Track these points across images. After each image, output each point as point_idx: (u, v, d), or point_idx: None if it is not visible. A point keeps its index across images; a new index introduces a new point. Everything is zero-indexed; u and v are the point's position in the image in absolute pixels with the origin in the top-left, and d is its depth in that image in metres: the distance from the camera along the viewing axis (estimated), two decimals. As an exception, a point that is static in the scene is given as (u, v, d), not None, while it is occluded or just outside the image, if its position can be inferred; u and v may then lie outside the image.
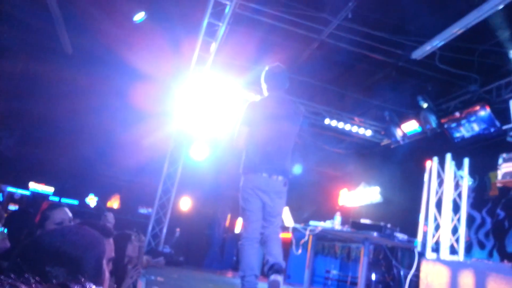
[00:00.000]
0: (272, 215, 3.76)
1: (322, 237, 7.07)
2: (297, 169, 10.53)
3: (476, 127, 7.23)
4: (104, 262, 1.05)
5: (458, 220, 5.31)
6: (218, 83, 8.55)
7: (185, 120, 8.75)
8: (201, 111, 8.43)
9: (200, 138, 9.27)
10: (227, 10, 6.45)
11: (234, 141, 3.96)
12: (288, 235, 6.31)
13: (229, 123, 7.73)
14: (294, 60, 8.08)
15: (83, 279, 0.71)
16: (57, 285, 0.52)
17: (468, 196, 6.24)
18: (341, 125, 9.34)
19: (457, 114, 7.49)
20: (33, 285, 0.46)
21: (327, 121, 9.22)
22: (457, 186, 5.47)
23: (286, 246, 9.01)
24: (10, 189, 17.20)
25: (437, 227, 5.35)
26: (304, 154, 10.58)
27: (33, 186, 18.16)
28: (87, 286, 0.63)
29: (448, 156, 5.48)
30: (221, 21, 6.68)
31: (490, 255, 6.65)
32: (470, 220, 6.96)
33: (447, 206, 5.31)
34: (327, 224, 5.63)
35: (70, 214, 2.64)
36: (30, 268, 0.86)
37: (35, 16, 7.52)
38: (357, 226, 5.25)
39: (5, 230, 2.94)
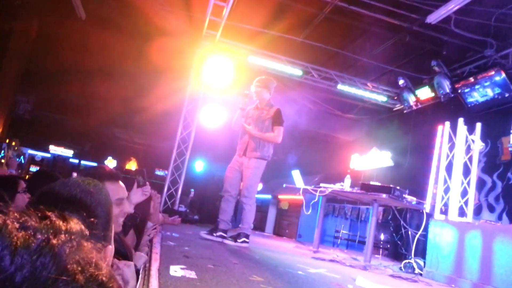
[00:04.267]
0: None
1: (332, 199, 7.25)
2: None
3: (490, 92, 7.17)
4: (112, 211, 1.13)
5: (468, 183, 5.38)
6: (229, 48, 8.56)
7: (198, 84, 8.82)
8: (214, 76, 8.48)
9: (212, 104, 9.38)
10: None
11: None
12: (299, 197, 6.50)
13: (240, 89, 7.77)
14: (307, 24, 8.02)
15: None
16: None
17: (480, 161, 6.29)
18: (354, 90, 9.32)
19: (471, 79, 7.42)
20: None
21: (340, 86, 9.21)
22: (468, 150, 5.51)
23: (298, 207, 9.28)
24: (31, 151, 17.71)
25: (446, 190, 5.44)
26: (317, 119, 10.64)
27: (53, 149, 18.65)
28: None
29: (461, 121, 5.50)
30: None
31: (499, 218, 6.73)
32: (481, 184, 7.02)
33: (458, 169, 5.37)
34: (336, 186, 5.77)
35: None
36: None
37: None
38: (366, 188, 5.37)
39: None
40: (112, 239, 1.16)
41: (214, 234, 4.96)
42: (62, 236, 0.50)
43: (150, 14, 8.04)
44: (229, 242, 4.89)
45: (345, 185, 5.73)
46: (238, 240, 4.93)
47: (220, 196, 5.26)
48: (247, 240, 5.02)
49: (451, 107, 8.03)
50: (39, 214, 0.52)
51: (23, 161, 16.08)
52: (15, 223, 0.47)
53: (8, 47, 9.84)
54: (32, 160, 17.87)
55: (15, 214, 0.49)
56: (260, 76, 5.50)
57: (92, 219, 0.97)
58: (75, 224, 0.55)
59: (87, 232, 0.55)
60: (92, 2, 7.88)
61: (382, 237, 7.36)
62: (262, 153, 5.17)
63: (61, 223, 0.52)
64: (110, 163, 18.16)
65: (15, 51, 9.81)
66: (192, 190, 11.07)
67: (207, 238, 4.91)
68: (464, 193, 5.39)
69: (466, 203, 5.33)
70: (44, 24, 9.62)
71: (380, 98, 9.57)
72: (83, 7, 7.82)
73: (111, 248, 1.11)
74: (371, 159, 9.87)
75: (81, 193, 1.01)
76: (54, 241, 0.48)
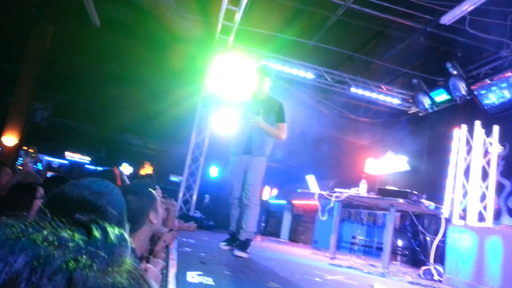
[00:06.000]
0: None
1: (348, 204, 7.17)
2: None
3: (507, 94, 7.04)
4: (125, 212, 1.10)
5: (487, 187, 5.28)
6: (242, 53, 8.57)
7: (211, 90, 8.85)
8: (226, 81, 8.49)
9: (225, 109, 9.37)
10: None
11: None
12: (314, 202, 6.45)
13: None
14: (319, 28, 7.99)
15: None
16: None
17: (498, 164, 6.16)
18: (367, 93, 9.25)
19: (488, 81, 7.30)
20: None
21: (353, 89, 9.14)
22: (486, 153, 5.41)
23: (313, 212, 9.22)
24: (48, 158, 17.98)
25: (464, 195, 5.34)
26: (330, 123, 10.58)
27: (70, 155, 18.92)
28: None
29: (477, 124, 5.41)
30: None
31: (519, 223, 6.58)
32: (500, 187, 6.87)
33: (476, 173, 5.28)
34: (352, 191, 5.71)
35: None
36: (61, 215, 0.95)
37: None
38: (383, 192, 5.31)
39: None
40: (146, 240, 1.12)
41: (233, 245, 4.49)
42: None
43: (164, 21, 8.12)
44: (240, 253, 4.23)
45: (361, 190, 5.67)
46: (247, 251, 4.37)
47: (230, 205, 4.70)
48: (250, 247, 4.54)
49: (467, 110, 7.91)
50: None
51: (40, 168, 16.32)
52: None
53: (25, 55, 10.03)
54: (49, 166, 18.14)
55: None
56: (261, 65, 5.01)
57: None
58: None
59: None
60: (107, 9, 7.98)
61: (399, 243, 7.26)
62: (266, 151, 4.72)
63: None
64: (125, 169, 18.32)
65: (32, 58, 9.99)
66: (207, 195, 11.09)
67: (227, 250, 4.49)
68: (483, 197, 5.28)
69: (485, 207, 5.23)
70: (60, 31, 9.79)
71: (395, 101, 9.47)
72: (97, 15, 7.93)
73: None
74: (387, 163, 9.76)
75: (91, 194, 0.99)
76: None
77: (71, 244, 0.47)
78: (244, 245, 4.37)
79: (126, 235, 0.60)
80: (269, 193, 12.24)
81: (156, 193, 2.69)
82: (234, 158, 4.77)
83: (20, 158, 9.94)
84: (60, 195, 1.00)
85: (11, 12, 8.93)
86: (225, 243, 4.60)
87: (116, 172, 3.82)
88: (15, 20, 9.29)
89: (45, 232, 0.47)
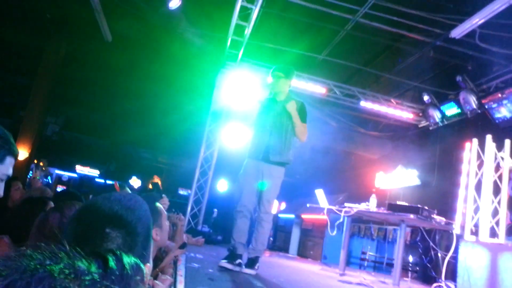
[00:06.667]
0: None
1: (357, 219, 7.10)
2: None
3: (519, 108, 6.97)
4: (152, 228, 1.11)
5: (499, 202, 5.19)
6: (251, 67, 8.62)
7: (221, 104, 8.89)
8: (236, 95, 8.53)
9: (233, 124, 9.39)
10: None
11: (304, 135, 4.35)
12: (323, 216, 6.39)
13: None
14: (328, 42, 8.03)
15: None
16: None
17: (510, 179, 6.07)
18: (377, 107, 9.21)
19: (499, 94, 7.24)
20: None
21: (362, 103, 9.12)
22: (497, 168, 5.34)
23: (322, 227, 9.13)
24: (58, 172, 18.15)
25: (476, 210, 5.26)
26: (339, 137, 10.54)
27: (79, 169, 19.08)
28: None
29: (489, 138, 5.34)
30: (254, 4, 6.70)
31: (533, 239, 6.45)
32: (512, 203, 6.77)
33: (487, 187, 5.20)
34: (362, 206, 5.65)
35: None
36: (90, 229, 0.94)
37: (77, 5, 7.84)
38: (393, 208, 5.24)
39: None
40: (151, 256, 1.13)
41: (234, 263, 4.12)
42: None
43: (174, 36, 8.22)
44: (248, 271, 4.15)
45: (371, 205, 5.61)
46: (255, 268, 4.22)
47: (236, 212, 4.28)
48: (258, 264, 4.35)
49: (478, 123, 7.83)
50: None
51: (50, 181, 16.45)
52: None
53: (38, 69, 10.20)
54: (59, 180, 18.29)
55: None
56: (279, 65, 4.60)
57: (133, 236, 0.97)
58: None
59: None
60: (119, 25, 8.11)
61: (410, 259, 7.15)
62: (287, 157, 4.26)
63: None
64: (135, 182, 18.39)
65: (45, 73, 10.16)
66: (215, 210, 11.06)
67: (226, 268, 4.06)
68: (495, 213, 5.19)
69: (497, 223, 5.13)
70: (73, 46, 9.97)
71: (405, 114, 9.42)
72: (109, 30, 8.06)
73: (149, 266, 1.10)
74: (397, 178, 9.67)
75: (121, 209, 0.99)
76: None
77: (87, 278, 0.47)
78: (252, 263, 4.21)
79: (142, 265, 0.60)
80: (277, 207, 12.18)
81: (163, 201, 2.67)
82: (250, 162, 4.34)
83: (30, 172, 10.03)
84: (91, 208, 1.00)
85: (26, 27, 9.12)
86: (226, 261, 4.11)
87: (116, 187, 3.83)
88: (29, 35, 9.48)
89: (62, 264, 0.48)
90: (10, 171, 1.19)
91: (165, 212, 2.56)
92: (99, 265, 0.52)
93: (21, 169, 9.68)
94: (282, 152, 4.19)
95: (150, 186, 17.53)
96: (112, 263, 0.53)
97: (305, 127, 4.31)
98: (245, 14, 7.04)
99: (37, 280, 0.44)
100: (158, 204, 2.24)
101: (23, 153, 9.81)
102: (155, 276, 2.45)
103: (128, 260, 0.58)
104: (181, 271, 3.23)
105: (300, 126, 4.22)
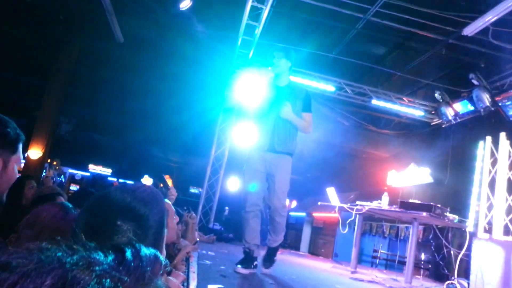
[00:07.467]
0: None
1: (369, 217, 7.08)
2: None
3: (533, 104, 6.89)
4: (165, 219, 1.08)
5: (512, 200, 5.14)
6: (262, 66, 8.63)
7: (231, 103, 8.92)
8: (247, 94, 8.55)
9: (245, 122, 9.40)
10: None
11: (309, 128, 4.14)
12: (334, 214, 6.39)
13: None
14: (340, 41, 8.00)
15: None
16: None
17: (524, 176, 6.00)
18: (389, 105, 9.16)
19: (512, 91, 7.17)
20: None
21: (374, 101, 9.07)
22: (511, 165, 5.28)
23: (333, 225, 9.12)
24: (71, 170, 18.36)
25: (489, 208, 5.22)
26: (351, 135, 10.51)
27: (92, 168, 19.28)
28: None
29: (503, 135, 5.29)
30: (264, 4, 6.71)
31: (548, 237, 6.37)
32: (526, 201, 6.68)
33: (501, 185, 5.15)
34: (374, 204, 5.64)
35: None
36: (101, 221, 0.93)
37: (89, 6, 7.92)
38: (405, 206, 5.23)
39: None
40: (164, 249, 1.11)
41: (251, 267, 3.89)
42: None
43: (186, 36, 8.27)
44: (265, 271, 4.07)
45: (383, 203, 5.60)
46: (274, 259, 4.19)
47: (246, 213, 4.04)
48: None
49: (492, 121, 7.75)
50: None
51: (63, 180, 16.65)
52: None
53: (51, 70, 10.34)
54: (72, 179, 18.51)
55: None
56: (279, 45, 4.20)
57: (145, 228, 0.95)
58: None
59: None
60: (130, 25, 8.18)
61: (423, 257, 7.11)
62: (292, 146, 4.08)
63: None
64: (147, 181, 18.50)
65: (57, 74, 10.29)
66: (227, 208, 11.11)
67: (244, 273, 3.75)
68: (509, 210, 5.14)
69: (511, 221, 5.09)
70: (85, 47, 10.07)
71: (417, 112, 9.35)
72: (121, 31, 8.14)
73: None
74: (409, 176, 9.61)
75: (134, 201, 0.98)
76: None
77: (97, 268, 0.48)
78: (272, 254, 4.15)
79: (161, 258, 0.61)
80: (288, 205, 12.19)
81: (170, 192, 2.67)
82: (254, 155, 4.13)
83: (44, 171, 10.16)
84: (104, 199, 0.99)
85: (39, 29, 9.25)
86: (242, 266, 3.80)
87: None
88: (43, 36, 9.61)
89: (76, 256, 0.49)
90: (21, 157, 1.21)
91: (173, 208, 2.58)
92: (116, 257, 0.52)
93: (35, 168, 9.82)
94: (287, 141, 4.02)
95: (161, 185, 17.67)
96: (129, 254, 0.54)
97: (310, 116, 4.13)
98: (255, 14, 7.06)
99: (48, 271, 0.45)
100: (166, 200, 2.26)
101: (37, 152, 9.95)
102: (168, 272, 2.48)
103: (147, 252, 0.59)
104: (193, 268, 3.26)
105: (301, 125, 4.05)
